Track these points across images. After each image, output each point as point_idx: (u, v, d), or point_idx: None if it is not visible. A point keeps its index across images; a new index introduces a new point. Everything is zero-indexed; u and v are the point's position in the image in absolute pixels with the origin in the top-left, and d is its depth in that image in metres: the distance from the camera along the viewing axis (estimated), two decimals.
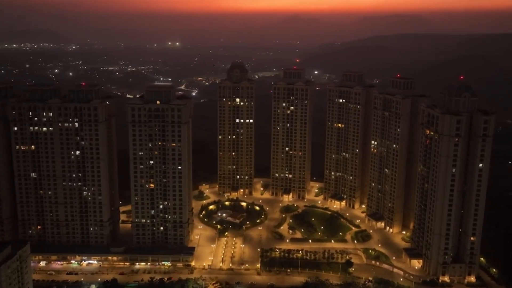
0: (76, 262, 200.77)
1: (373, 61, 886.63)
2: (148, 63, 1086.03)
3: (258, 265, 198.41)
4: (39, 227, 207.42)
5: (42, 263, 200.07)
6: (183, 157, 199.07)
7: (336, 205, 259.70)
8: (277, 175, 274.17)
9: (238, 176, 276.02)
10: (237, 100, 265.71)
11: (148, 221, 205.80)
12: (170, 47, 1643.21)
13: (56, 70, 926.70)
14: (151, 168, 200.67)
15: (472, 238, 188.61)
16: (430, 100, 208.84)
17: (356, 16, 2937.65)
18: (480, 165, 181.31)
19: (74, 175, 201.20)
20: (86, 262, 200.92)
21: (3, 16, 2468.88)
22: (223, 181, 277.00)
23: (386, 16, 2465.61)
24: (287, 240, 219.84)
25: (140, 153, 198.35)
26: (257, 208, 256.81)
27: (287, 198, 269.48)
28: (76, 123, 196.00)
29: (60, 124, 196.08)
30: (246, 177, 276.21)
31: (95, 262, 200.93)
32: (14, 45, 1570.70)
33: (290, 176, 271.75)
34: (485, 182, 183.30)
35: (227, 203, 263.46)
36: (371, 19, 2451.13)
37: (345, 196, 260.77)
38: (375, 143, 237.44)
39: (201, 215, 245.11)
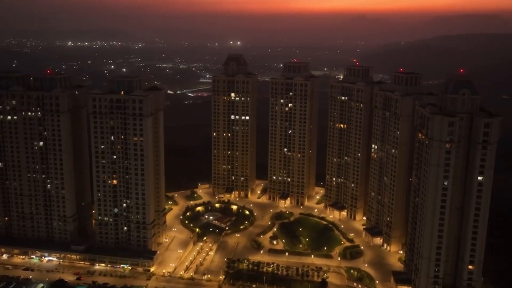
0: (37, 258, 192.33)
1: (434, 61, 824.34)
2: (201, 61, 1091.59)
3: (222, 277, 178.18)
4: (6, 218, 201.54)
5: (5, 256, 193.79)
6: (146, 153, 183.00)
7: (335, 214, 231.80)
8: (274, 178, 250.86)
9: (233, 177, 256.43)
10: (232, 95, 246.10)
11: (111, 220, 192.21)
12: (231, 46, 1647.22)
13: (112, 66, 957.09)
14: (114, 163, 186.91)
15: (470, 267, 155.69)
16: (434, 99, 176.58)
17: (428, 15, 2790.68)
18: (480, 177, 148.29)
19: (38, 167, 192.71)
20: (47, 258, 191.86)
21: (79, 15, 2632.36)
22: (218, 181, 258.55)
23: (459, 16, 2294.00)
24: (262, 251, 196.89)
25: (101, 146, 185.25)
26: (248, 212, 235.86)
27: (284, 204, 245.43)
28: (39, 113, 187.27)
29: (23, 113, 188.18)
30: (242, 178, 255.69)
31: (55, 259, 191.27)
32: (86, 43, 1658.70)
33: (289, 179, 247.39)
34: (486, 198, 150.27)
35: (217, 205, 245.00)
36: (443, 19, 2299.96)
37: (346, 205, 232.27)
38: (376, 147, 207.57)
39: (181, 217, 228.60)
